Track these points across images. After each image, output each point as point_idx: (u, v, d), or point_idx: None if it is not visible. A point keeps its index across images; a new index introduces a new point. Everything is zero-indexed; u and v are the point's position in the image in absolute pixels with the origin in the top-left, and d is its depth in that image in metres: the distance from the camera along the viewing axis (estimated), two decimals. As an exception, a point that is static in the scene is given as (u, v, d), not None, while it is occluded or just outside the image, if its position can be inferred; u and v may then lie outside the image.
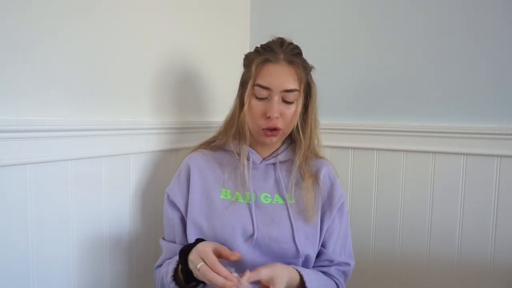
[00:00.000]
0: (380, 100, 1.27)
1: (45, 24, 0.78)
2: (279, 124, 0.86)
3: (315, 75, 0.93)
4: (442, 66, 1.17)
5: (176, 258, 0.81)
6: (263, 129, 0.87)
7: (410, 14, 1.21)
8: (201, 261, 0.70)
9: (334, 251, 0.92)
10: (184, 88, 1.17)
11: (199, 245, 0.73)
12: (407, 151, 1.22)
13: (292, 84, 0.85)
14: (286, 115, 0.87)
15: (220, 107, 1.32)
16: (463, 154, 1.14)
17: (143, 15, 1.00)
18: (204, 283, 0.78)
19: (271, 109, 0.84)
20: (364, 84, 1.29)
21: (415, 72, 1.21)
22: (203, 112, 1.26)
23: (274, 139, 0.89)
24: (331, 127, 1.33)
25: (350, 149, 1.32)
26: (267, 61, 0.86)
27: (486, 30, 1.10)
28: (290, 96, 0.86)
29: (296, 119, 0.89)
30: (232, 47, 1.38)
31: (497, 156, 1.09)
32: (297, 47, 0.90)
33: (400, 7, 1.22)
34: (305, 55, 0.92)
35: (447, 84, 1.16)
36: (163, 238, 0.95)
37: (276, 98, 0.85)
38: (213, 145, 0.98)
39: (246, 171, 0.90)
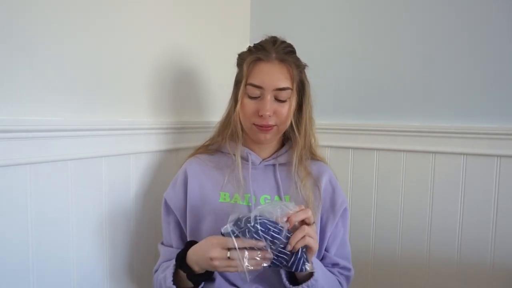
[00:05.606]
0: (380, 100, 1.27)
1: (45, 26, 0.78)
2: (272, 122, 0.86)
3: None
4: (442, 66, 1.17)
5: (173, 262, 0.81)
6: (256, 125, 0.86)
7: (411, 14, 1.21)
8: (226, 252, 0.70)
9: (337, 254, 0.92)
10: (184, 88, 1.17)
11: (210, 239, 0.73)
12: (407, 151, 1.22)
13: (284, 82, 0.85)
14: (280, 114, 0.86)
15: (219, 107, 1.32)
16: (463, 154, 1.14)
17: (143, 15, 1.01)
18: (208, 279, 0.78)
19: (264, 107, 0.84)
20: (364, 84, 1.29)
21: (415, 72, 1.21)
22: (203, 112, 1.26)
23: (268, 135, 0.88)
24: (331, 127, 1.33)
25: (350, 149, 1.32)
26: (258, 60, 0.86)
27: (486, 30, 1.10)
28: (283, 95, 0.85)
29: (291, 117, 0.88)
30: (231, 47, 1.37)
31: (497, 156, 1.09)
32: (290, 46, 0.89)
33: (400, 7, 1.22)
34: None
35: (447, 84, 1.16)
36: (162, 243, 0.96)
37: (269, 97, 0.84)
38: (210, 148, 0.98)
39: (240, 171, 0.89)
